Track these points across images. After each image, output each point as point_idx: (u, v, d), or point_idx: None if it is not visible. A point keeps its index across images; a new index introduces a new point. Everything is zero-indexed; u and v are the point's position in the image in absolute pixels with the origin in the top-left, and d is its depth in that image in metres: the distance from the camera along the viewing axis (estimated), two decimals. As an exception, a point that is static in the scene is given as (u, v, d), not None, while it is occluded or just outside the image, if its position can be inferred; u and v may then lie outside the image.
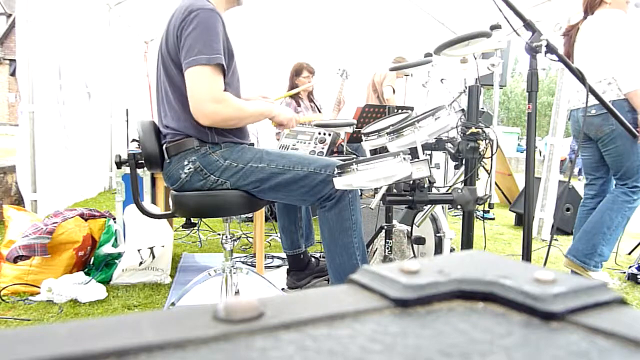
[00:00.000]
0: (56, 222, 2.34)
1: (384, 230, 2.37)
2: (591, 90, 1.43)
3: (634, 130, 1.66)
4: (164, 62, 1.65)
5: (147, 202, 2.82)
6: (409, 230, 2.45)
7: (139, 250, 2.42)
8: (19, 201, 3.89)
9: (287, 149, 2.66)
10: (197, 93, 1.55)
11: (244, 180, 1.66)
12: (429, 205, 2.18)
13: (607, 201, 2.49)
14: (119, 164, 1.73)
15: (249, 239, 3.44)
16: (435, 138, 1.88)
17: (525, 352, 0.21)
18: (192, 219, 3.51)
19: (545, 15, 4.05)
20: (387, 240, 2.35)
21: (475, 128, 1.69)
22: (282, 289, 2.36)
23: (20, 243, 2.27)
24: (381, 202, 1.69)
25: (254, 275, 2.05)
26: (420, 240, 2.36)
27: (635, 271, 2.88)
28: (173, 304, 2.00)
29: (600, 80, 2.39)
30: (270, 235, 3.51)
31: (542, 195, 4.05)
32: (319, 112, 4.14)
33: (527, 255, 1.46)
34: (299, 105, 3.98)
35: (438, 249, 2.38)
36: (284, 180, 1.66)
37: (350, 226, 1.72)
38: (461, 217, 1.89)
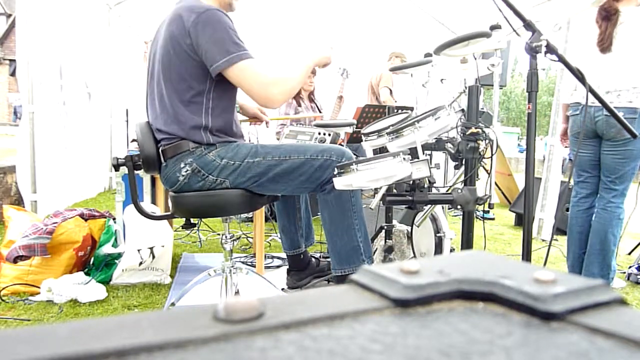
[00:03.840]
0: (56, 222, 2.34)
1: (384, 230, 2.37)
2: (591, 90, 1.43)
3: (634, 130, 1.66)
4: (165, 64, 1.64)
5: (146, 203, 2.82)
6: (409, 230, 2.45)
7: (138, 251, 2.42)
8: (19, 201, 3.89)
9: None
10: (253, 87, 1.60)
11: (243, 177, 1.66)
12: (429, 205, 2.18)
13: (605, 220, 2.48)
14: (116, 166, 1.73)
15: (249, 239, 3.44)
16: (435, 138, 1.88)
17: (525, 352, 0.21)
18: (191, 219, 3.51)
19: (545, 15, 4.05)
20: (387, 240, 2.35)
21: (475, 128, 1.69)
22: (282, 289, 2.36)
23: (20, 243, 2.27)
24: (381, 202, 1.69)
25: (254, 275, 2.05)
26: (389, 250, 2.37)
27: (635, 271, 2.88)
28: (173, 304, 2.00)
29: (636, 85, 2.37)
30: (270, 235, 3.51)
31: (542, 195, 4.05)
32: (320, 112, 4.14)
33: (527, 255, 1.46)
34: (299, 105, 3.98)
35: (438, 249, 2.38)
36: (282, 170, 1.67)
37: (350, 207, 1.72)
38: (461, 217, 1.89)
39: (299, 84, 1.72)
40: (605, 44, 2.43)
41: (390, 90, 4.47)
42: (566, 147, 3.02)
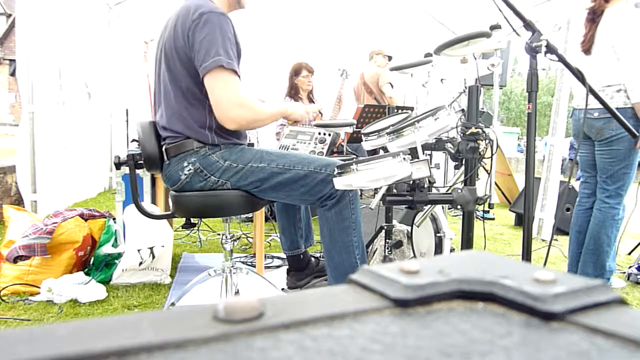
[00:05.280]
0: (56, 222, 2.34)
1: (384, 230, 2.37)
2: (591, 91, 1.43)
3: (634, 131, 1.66)
4: (169, 61, 1.64)
5: (147, 203, 2.82)
6: (409, 230, 2.45)
7: (138, 250, 2.42)
8: (19, 201, 3.89)
9: (287, 149, 2.66)
10: (223, 98, 1.57)
11: (245, 181, 1.66)
12: (429, 206, 2.18)
13: (598, 220, 2.50)
14: (118, 165, 1.73)
15: (249, 239, 3.44)
16: (435, 138, 1.88)
17: (525, 352, 0.21)
18: (192, 219, 3.51)
19: (545, 15, 4.05)
20: (387, 240, 2.35)
21: (475, 128, 1.69)
22: (282, 289, 2.36)
23: (20, 243, 2.27)
24: (381, 202, 1.69)
25: (254, 275, 2.05)
26: (398, 244, 2.36)
27: (635, 271, 2.88)
28: (173, 304, 2.00)
29: (610, 84, 2.38)
30: (270, 235, 3.51)
31: (542, 195, 4.05)
32: (319, 112, 4.14)
33: (527, 255, 1.46)
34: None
35: (438, 249, 2.38)
36: (285, 179, 1.66)
37: (349, 225, 1.72)
38: (461, 217, 1.89)
39: (263, 120, 1.68)
40: (586, 46, 2.47)
41: (391, 85, 4.48)
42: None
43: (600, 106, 2.33)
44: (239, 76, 1.61)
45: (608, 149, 2.43)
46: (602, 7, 2.42)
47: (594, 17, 2.44)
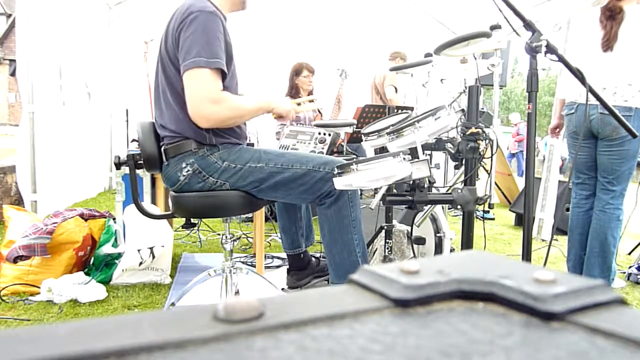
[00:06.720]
0: (56, 222, 2.34)
1: (384, 230, 2.37)
2: (591, 91, 1.43)
3: (633, 130, 1.66)
4: (163, 62, 1.65)
5: (147, 203, 2.82)
6: (409, 230, 2.45)
7: (138, 251, 2.42)
8: (19, 201, 3.89)
9: (287, 148, 2.66)
10: (195, 95, 1.54)
11: (243, 181, 1.66)
12: (429, 206, 2.18)
13: (603, 222, 2.49)
14: (118, 165, 1.73)
15: (249, 239, 3.44)
16: (435, 138, 1.88)
17: (525, 352, 0.21)
18: (192, 219, 3.51)
19: (545, 15, 4.05)
20: (387, 240, 2.35)
21: (475, 128, 1.69)
22: (282, 289, 2.36)
23: (20, 243, 2.27)
24: (381, 202, 1.69)
25: (254, 275, 2.05)
26: (421, 241, 2.35)
27: (635, 271, 2.88)
28: (173, 304, 2.00)
29: (632, 83, 2.37)
30: (270, 235, 3.51)
31: (542, 195, 4.05)
32: (319, 112, 4.14)
33: (527, 255, 1.46)
34: (298, 105, 3.98)
35: (438, 249, 2.38)
36: (283, 178, 1.66)
37: (350, 223, 1.72)
38: (461, 217, 1.89)
39: (241, 116, 1.64)
40: (611, 43, 2.44)
41: (396, 89, 4.48)
42: (554, 137, 3.09)
43: (622, 104, 2.34)
44: (223, 73, 1.58)
45: (619, 149, 2.41)
46: (617, 5, 2.40)
47: (613, 14, 2.42)
